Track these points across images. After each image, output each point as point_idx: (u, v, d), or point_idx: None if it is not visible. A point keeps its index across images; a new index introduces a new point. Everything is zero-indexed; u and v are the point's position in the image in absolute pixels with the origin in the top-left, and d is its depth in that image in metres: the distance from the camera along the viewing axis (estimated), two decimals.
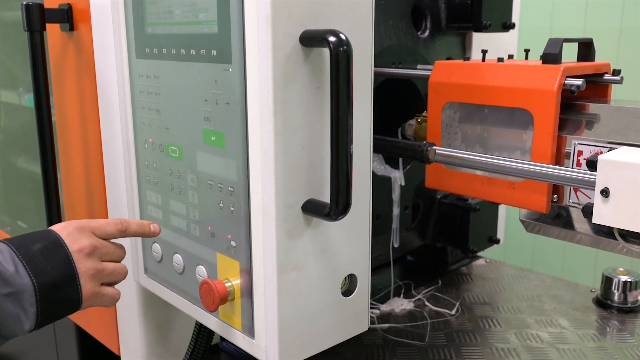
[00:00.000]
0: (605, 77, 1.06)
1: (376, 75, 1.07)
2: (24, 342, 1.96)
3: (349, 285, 0.93)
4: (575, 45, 1.08)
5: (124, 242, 1.13)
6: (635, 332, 1.25)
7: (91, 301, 0.86)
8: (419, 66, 1.27)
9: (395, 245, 1.33)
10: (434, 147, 1.04)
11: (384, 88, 1.29)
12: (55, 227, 0.85)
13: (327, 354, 0.93)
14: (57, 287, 0.80)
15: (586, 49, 1.08)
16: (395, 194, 1.28)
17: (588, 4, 1.95)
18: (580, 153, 0.97)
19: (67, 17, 1.17)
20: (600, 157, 0.81)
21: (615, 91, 1.10)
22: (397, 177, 1.27)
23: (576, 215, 1.02)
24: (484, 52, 1.10)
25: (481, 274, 1.54)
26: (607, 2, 1.91)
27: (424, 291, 1.43)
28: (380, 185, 1.26)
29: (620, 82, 1.05)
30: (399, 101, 1.36)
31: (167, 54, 0.94)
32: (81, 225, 0.87)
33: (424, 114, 1.22)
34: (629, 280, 1.35)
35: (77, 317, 1.42)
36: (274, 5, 0.75)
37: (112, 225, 0.90)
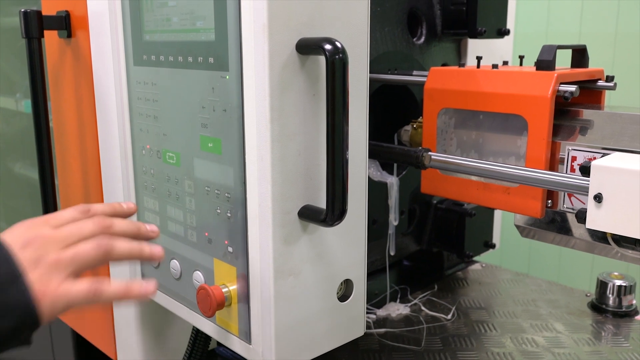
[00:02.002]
0: (598, 84, 1.07)
1: (372, 81, 1.08)
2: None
3: (345, 291, 0.94)
4: (569, 51, 1.09)
5: None
6: (630, 336, 1.26)
7: (55, 303, 0.66)
8: (414, 72, 1.28)
9: (392, 254, 1.33)
10: (430, 152, 1.05)
11: (380, 94, 1.30)
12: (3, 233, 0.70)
13: (323, 358, 0.94)
14: None
15: (580, 55, 1.09)
16: (392, 200, 1.29)
17: (583, 9, 1.97)
18: (574, 159, 0.97)
19: (65, 24, 1.18)
20: (593, 162, 0.82)
21: (611, 96, 1.11)
22: (393, 183, 1.28)
23: (570, 220, 1.03)
24: (479, 58, 1.11)
25: (477, 278, 1.55)
26: (603, 8, 1.92)
27: (420, 296, 1.43)
28: (377, 190, 1.27)
29: (613, 88, 1.06)
30: (394, 107, 1.37)
31: (165, 61, 0.95)
32: (32, 221, 0.71)
33: (419, 119, 1.22)
34: (624, 284, 1.36)
35: (73, 322, 1.42)
36: (270, 13, 0.76)
37: (70, 210, 0.75)
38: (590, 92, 1.08)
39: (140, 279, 1.10)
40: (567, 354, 1.18)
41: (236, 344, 0.93)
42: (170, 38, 0.92)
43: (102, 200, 1.20)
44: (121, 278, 1.20)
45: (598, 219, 0.82)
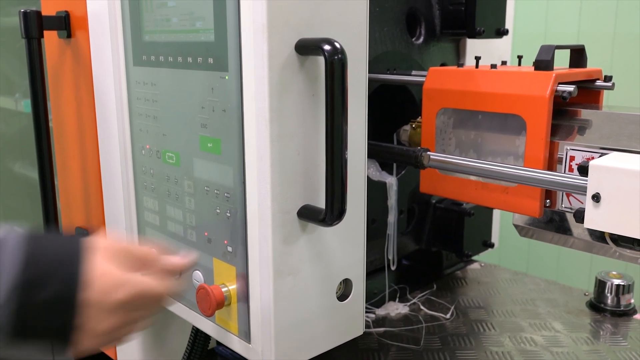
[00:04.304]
0: (596, 83, 1.07)
1: (371, 81, 1.08)
2: None
3: (344, 290, 0.94)
4: (568, 51, 1.09)
5: None
6: (628, 335, 1.27)
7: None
8: (413, 72, 1.28)
9: (390, 257, 1.33)
10: (428, 152, 1.05)
11: (379, 94, 1.30)
12: (91, 269, 0.66)
13: (322, 357, 0.94)
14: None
15: (578, 55, 1.09)
16: (391, 200, 1.29)
17: (582, 9, 1.97)
18: (572, 158, 0.98)
19: (64, 25, 1.18)
20: (591, 162, 0.82)
21: (609, 96, 1.11)
22: (392, 182, 1.28)
23: (569, 219, 1.03)
24: (478, 58, 1.12)
25: (476, 277, 1.55)
26: (601, 8, 1.93)
27: (419, 295, 1.43)
28: (376, 190, 1.27)
29: (611, 88, 1.06)
30: (394, 107, 1.37)
31: (164, 62, 0.95)
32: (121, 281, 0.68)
33: (418, 119, 1.23)
34: (622, 283, 1.36)
35: None
36: (270, 14, 0.76)
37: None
38: (589, 92, 1.08)
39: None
40: (566, 352, 1.19)
41: (236, 343, 0.93)
42: (170, 38, 0.93)
43: (101, 201, 1.20)
44: None
45: (596, 219, 0.82)
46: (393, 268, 1.34)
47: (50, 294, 0.63)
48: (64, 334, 0.64)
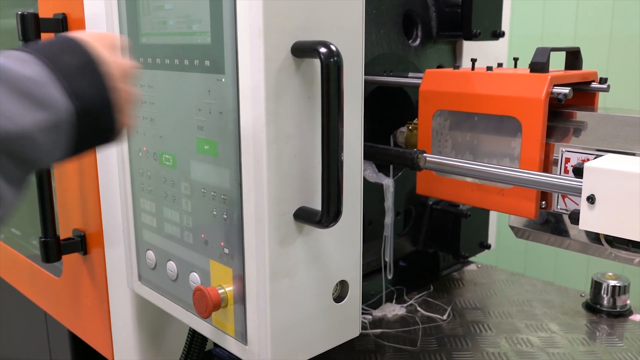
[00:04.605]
0: (592, 86, 1.08)
1: (368, 83, 1.08)
2: (17, 348, 1.96)
3: (340, 292, 0.95)
4: (563, 53, 1.10)
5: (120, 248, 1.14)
6: (624, 336, 1.27)
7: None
8: (410, 74, 1.28)
9: (387, 259, 1.33)
10: (425, 154, 1.06)
11: (375, 96, 1.31)
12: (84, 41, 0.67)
13: (319, 359, 0.94)
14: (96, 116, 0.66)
15: (573, 57, 1.10)
16: (388, 202, 1.29)
17: (578, 11, 1.98)
18: (567, 160, 0.98)
19: (61, 27, 1.18)
20: (586, 164, 0.83)
21: (606, 98, 1.12)
22: (389, 184, 1.28)
23: (564, 221, 1.03)
24: (474, 61, 1.12)
25: (473, 279, 1.56)
26: (598, 10, 1.93)
27: (416, 296, 1.44)
28: (373, 191, 1.27)
29: (606, 90, 1.07)
30: (390, 109, 1.37)
31: (161, 64, 0.95)
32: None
33: (415, 121, 1.23)
34: (618, 284, 1.37)
35: (70, 323, 1.43)
36: (266, 17, 0.77)
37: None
38: (584, 94, 1.09)
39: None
40: (562, 354, 1.19)
41: (232, 345, 0.93)
42: (167, 41, 0.93)
43: (98, 203, 1.21)
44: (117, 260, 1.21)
45: (591, 220, 0.82)
46: (390, 277, 1.34)
47: (74, 64, 0.64)
48: (103, 104, 0.66)
